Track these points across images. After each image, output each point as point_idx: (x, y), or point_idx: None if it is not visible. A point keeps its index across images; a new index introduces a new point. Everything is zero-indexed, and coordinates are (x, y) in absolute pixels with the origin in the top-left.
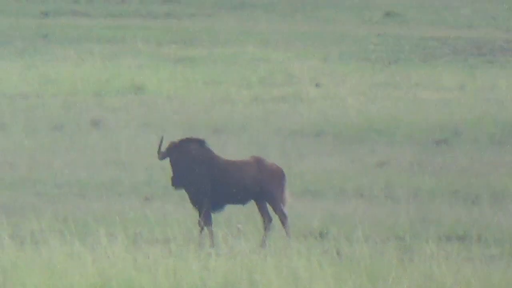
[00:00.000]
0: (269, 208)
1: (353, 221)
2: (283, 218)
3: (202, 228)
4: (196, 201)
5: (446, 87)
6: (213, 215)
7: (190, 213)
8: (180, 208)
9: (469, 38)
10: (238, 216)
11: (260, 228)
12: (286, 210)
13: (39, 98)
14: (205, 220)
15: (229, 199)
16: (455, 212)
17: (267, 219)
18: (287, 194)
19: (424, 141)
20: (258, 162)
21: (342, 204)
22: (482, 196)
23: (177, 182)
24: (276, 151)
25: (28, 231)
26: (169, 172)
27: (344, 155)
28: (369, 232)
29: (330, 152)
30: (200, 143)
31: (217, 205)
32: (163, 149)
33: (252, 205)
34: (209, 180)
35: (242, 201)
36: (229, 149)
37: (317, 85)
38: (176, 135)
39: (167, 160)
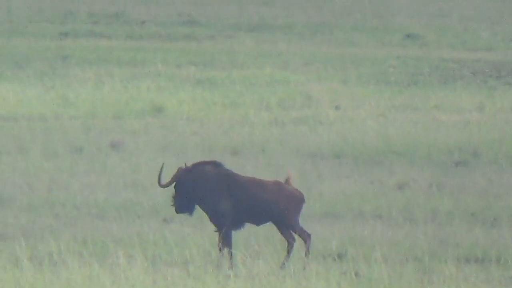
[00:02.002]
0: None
1: (371, 243)
2: (305, 237)
3: (221, 250)
4: (216, 221)
5: (465, 109)
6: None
7: (209, 235)
8: (198, 230)
9: (489, 60)
10: (257, 238)
11: (279, 249)
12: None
13: (58, 120)
14: (224, 241)
15: (248, 215)
16: (474, 233)
17: (290, 240)
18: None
19: (443, 162)
20: (279, 186)
21: (361, 225)
22: (501, 218)
23: (183, 207)
24: (295, 173)
25: (46, 252)
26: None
27: (363, 177)
28: (388, 253)
29: (349, 174)
30: (216, 164)
31: (237, 223)
32: (166, 177)
33: (271, 227)
34: (230, 199)
35: (259, 219)
36: (248, 171)
37: (336, 107)
38: (195, 157)
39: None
